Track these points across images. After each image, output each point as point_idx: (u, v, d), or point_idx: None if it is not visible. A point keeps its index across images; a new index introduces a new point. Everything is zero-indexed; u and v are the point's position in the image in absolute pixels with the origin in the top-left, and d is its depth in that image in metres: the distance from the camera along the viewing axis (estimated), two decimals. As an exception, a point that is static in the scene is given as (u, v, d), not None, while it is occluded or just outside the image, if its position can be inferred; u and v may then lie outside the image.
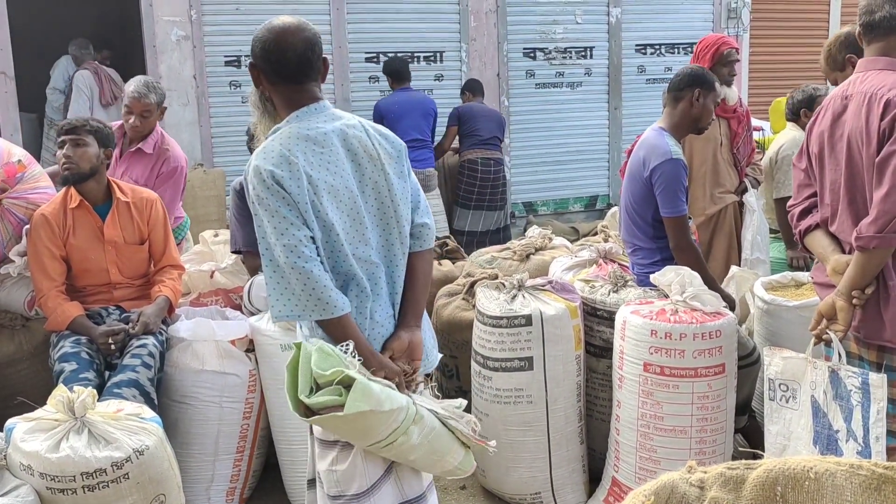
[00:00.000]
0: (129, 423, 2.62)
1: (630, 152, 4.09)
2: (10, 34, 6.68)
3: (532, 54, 8.35)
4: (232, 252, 3.97)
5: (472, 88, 7.37)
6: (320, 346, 2.17)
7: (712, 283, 3.48)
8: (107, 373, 3.37)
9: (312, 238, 2.24)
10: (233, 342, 3.50)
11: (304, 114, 2.34)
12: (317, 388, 2.15)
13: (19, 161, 3.59)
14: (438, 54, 7.97)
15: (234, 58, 7.33)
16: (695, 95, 3.66)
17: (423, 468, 2.40)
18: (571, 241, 5.20)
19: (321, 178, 2.27)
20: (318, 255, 2.24)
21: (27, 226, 3.57)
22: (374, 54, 7.70)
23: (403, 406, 2.20)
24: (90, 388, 2.71)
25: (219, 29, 7.25)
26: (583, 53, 8.50)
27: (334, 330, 2.26)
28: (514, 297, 3.56)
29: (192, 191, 6.67)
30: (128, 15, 8.27)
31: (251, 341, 3.55)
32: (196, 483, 3.44)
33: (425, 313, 2.54)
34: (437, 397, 2.46)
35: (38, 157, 3.98)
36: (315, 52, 2.34)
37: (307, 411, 2.16)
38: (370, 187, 2.37)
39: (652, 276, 3.41)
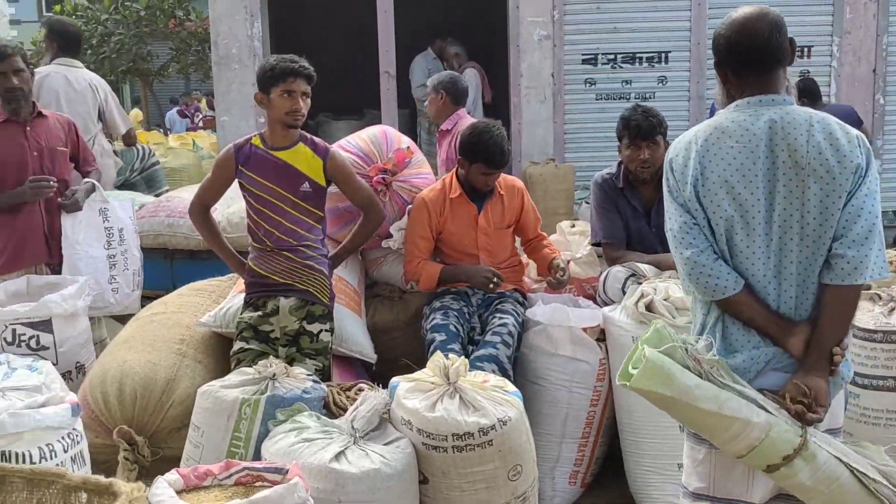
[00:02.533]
0: (494, 394, 2.80)
1: None
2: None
3: (919, 47, 7.50)
4: (592, 245, 4.07)
5: (812, 93, 6.53)
6: (660, 326, 2.25)
7: None
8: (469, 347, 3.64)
9: (697, 224, 2.25)
10: (585, 329, 3.60)
11: (742, 104, 2.30)
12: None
13: (408, 148, 4.00)
14: (807, 49, 7.46)
15: (591, 56, 7.45)
16: None
17: None
18: (958, 256, 4.61)
19: (716, 171, 2.24)
20: (707, 240, 2.26)
21: (410, 206, 3.96)
22: (735, 50, 7.40)
23: (753, 422, 2.13)
24: (462, 357, 2.94)
25: (578, 28, 7.42)
26: None
27: (728, 308, 2.28)
28: (893, 310, 3.26)
29: (544, 184, 6.93)
30: (493, 15, 8.75)
31: (602, 331, 3.62)
32: (542, 462, 3.57)
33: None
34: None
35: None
36: (782, 33, 2.28)
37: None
38: (781, 195, 2.22)
39: None
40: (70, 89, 5.20)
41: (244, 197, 3.50)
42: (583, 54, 7.45)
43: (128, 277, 4.28)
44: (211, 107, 15.79)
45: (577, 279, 4.09)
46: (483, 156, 3.74)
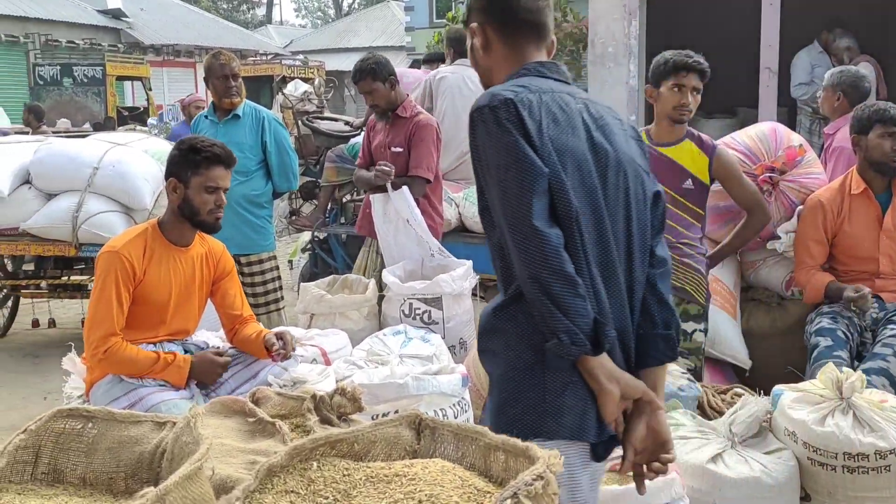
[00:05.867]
0: (894, 416, 2.55)
1: None
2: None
3: None
4: None
5: None
6: None
7: None
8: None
9: None
10: None
11: None
12: None
13: (800, 146, 3.78)
14: None
15: None
16: None
17: None
18: None
19: None
20: None
21: (799, 207, 3.73)
22: None
23: None
24: (859, 372, 2.73)
25: None
26: None
27: None
28: None
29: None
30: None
31: None
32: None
33: None
34: None
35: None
36: None
37: None
38: None
39: None
40: (465, 87, 5.64)
41: None
42: None
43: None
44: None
45: None
46: (875, 116, 3.49)
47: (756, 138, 3.88)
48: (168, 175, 3.09)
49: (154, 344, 3.03)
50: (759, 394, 2.91)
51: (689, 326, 3.37)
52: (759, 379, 3.51)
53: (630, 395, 1.83)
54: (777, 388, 2.79)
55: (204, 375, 3.03)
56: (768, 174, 3.74)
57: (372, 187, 4.46)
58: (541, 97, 1.77)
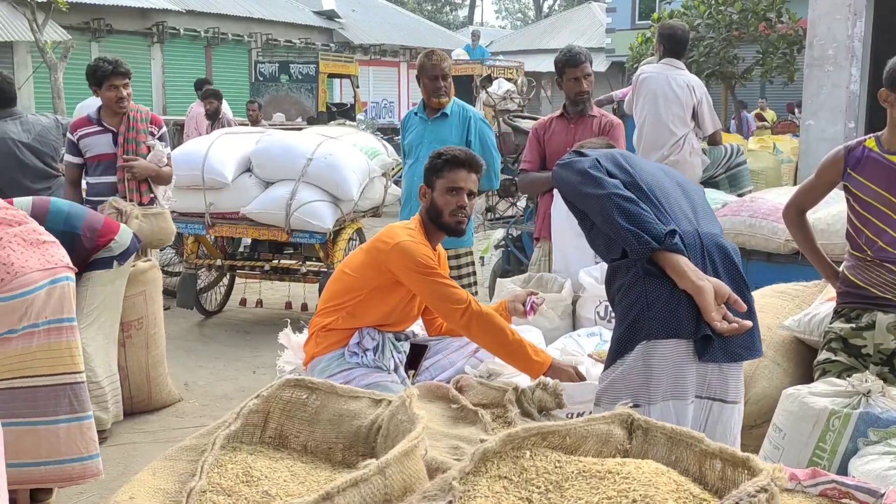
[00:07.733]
0: None
1: None
2: None
3: None
4: None
5: None
6: None
7: None
8: None
9: None
10: None
11: None
12: None
13: None
14: None
15: None
16: None
17: None
18: None
19: None
20: None
21: None
22: None
23: None
24: None
25: None
26: None
27: None
28: None
29: None
30: None
31: None
32: None
33: None
34: None
35: None
36: None
37: None
38: None
39: None
40: (668, 89, 5.48)
41: (847, 201, 3.33)
42: None
43: None
44: (792, 111, 15.37)
45: None
46: None
47: None
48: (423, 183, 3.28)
49: (379, 332, 3.16)
50: None
51: (916, 350, 3.11)
52: None
53: (722, 292, 2.31)
54: None
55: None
56: None
57: (550, 188, 4.40)
58: None
